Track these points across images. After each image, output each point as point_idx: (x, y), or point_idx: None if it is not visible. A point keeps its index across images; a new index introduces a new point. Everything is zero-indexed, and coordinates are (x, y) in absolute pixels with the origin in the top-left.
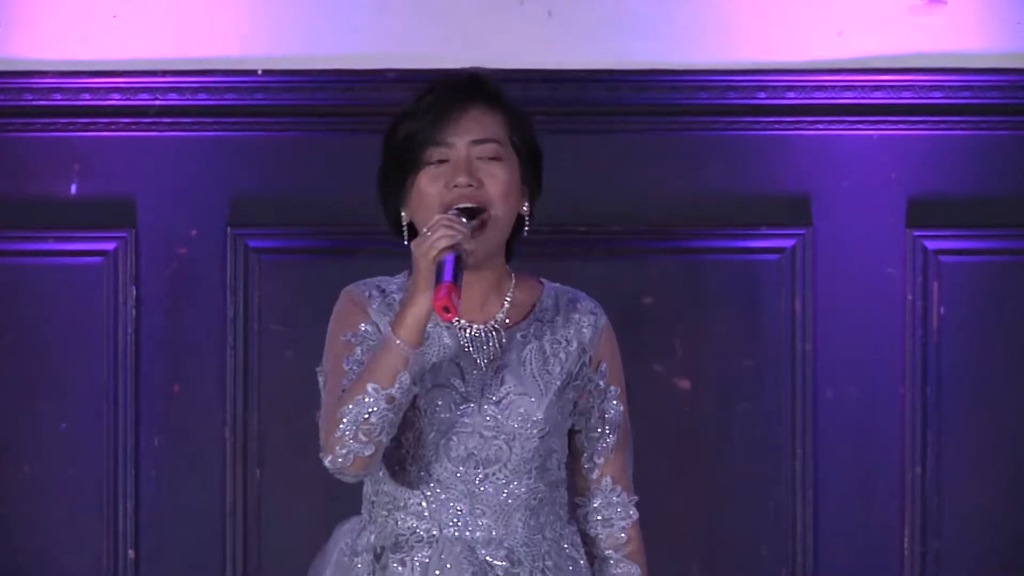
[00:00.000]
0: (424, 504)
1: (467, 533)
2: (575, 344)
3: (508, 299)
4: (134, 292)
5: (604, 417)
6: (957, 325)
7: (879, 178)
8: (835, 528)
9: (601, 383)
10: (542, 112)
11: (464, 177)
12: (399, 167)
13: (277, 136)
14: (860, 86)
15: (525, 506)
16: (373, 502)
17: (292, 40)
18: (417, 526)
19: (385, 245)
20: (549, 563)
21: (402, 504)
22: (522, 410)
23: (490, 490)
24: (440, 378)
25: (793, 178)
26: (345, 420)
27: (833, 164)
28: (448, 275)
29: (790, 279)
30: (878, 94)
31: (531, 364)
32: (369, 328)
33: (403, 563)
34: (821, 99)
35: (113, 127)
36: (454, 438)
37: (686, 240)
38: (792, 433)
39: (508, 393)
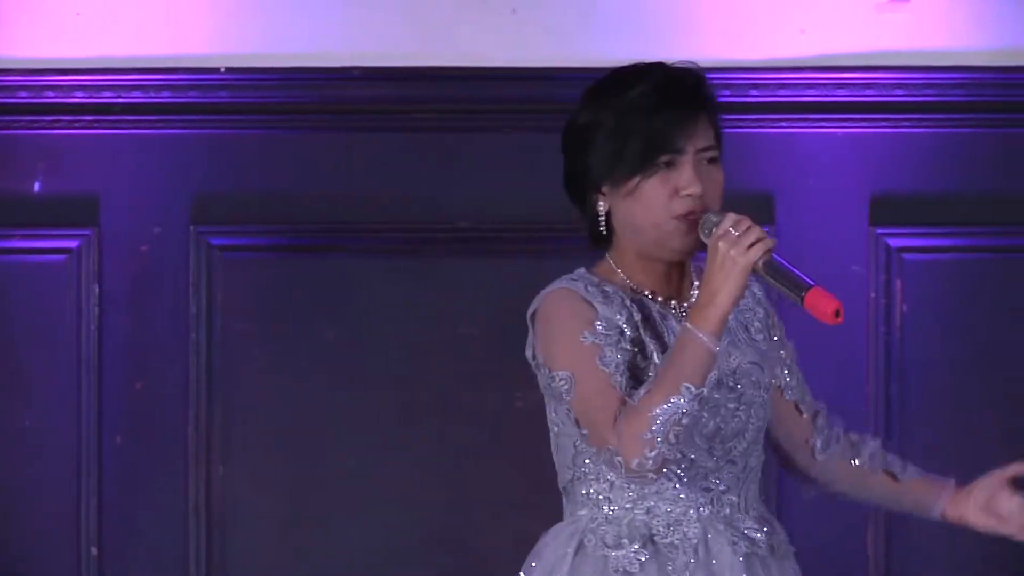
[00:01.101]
0: (679, 486)
1: (723, 510)
2: (761, 311)
3: (695, 279)
4: (97, 290)
5: (795, 371)
6: (920, 323)
7: (842, 176)
8: (800, 526)
9: (786, 343)
10: (507, 110)
11: (697, 187)
12: (628, 165)
13: (240, 134)
14: (823, 84)
15: (755, 477)
16: (601, 499)
17: (256, 37)
18: (672, 510)
19: (347, 242)
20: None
21: (651, 491)
22: (754, 378)
23: (735, 463)
24: None
25: (757, 176)
26: (659, 421)
27: (797, 162)
28: (807, 277)
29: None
30: (841, 92)
31: (740, 333)
32: (604, 325)
33: (674, 546)
34: (784, 97)
35: (77, 125)
36: (704, 415)
37: None
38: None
39: (740, 363)
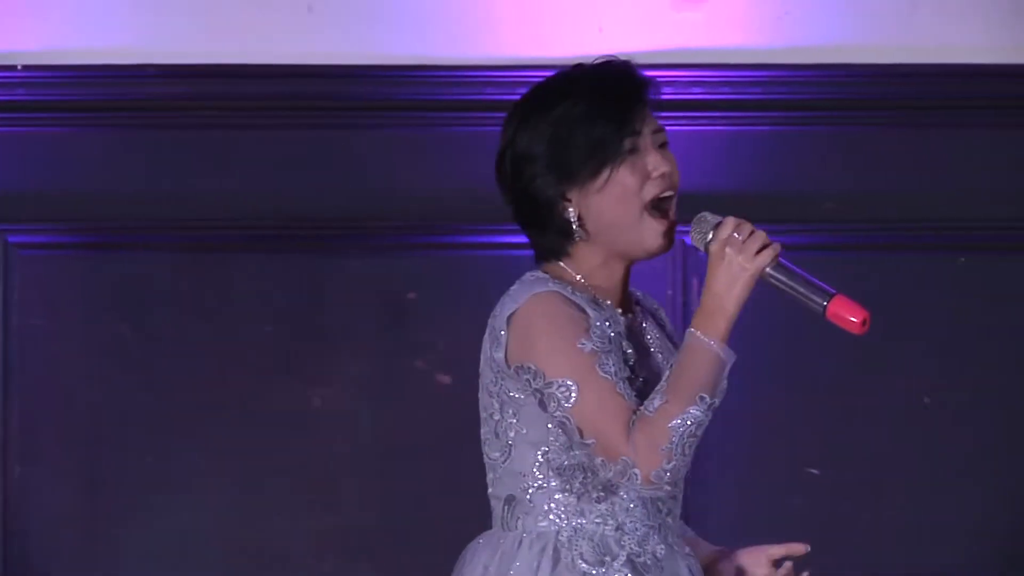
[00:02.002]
0: (643, 508)
1: (668, 534)
2: (668, 325)
3: (633, 297)
4: None
5: None
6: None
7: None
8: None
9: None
10: (302, 107)
11: (665, 166)
12: (596, 159)
13: (38, 131)
14: None
15: (681, 501)
16: (570, 512)
17: (52, 34)
18: (638, 528)
19: (143, 239)
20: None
21: (620, 508)
22: None
23: (675, 486)
24: (654, 372)
25: None
26: (679, 432)
27: None
28: (826, 285)
29: None
30: None
31: (667, 347)
32: (597, 331)
33: (647, 566)
34: None
35: None
36: None
37: (449, 235)
38: None
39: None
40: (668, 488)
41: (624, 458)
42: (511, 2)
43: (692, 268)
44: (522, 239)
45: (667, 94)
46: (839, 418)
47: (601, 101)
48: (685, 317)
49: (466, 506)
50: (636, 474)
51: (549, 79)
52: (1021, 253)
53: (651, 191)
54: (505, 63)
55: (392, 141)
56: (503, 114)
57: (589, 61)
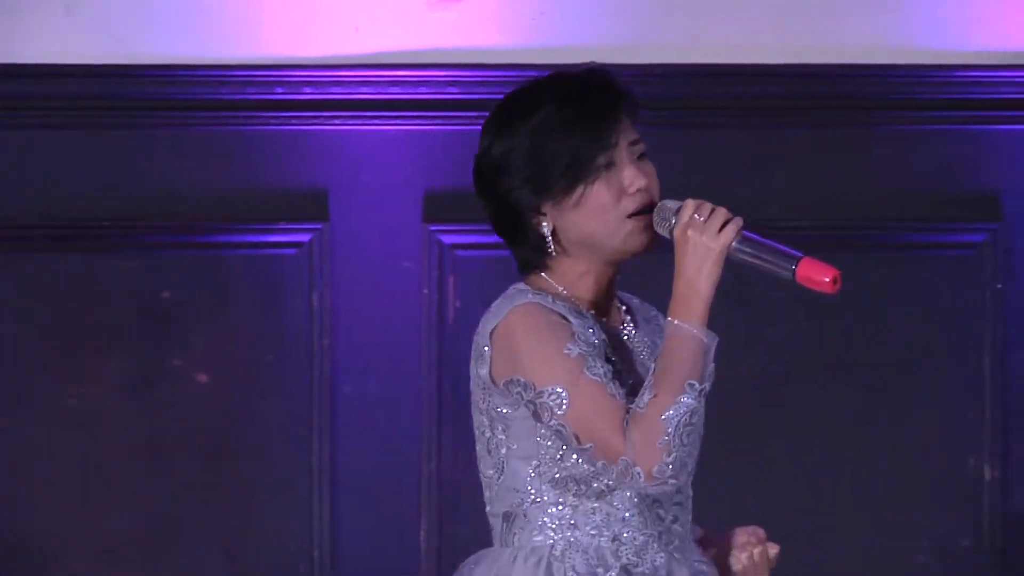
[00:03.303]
0: (641, 516)
1: (673, 541)
2: (662, 318)
3: (619, 303)
4: None
5: None
6: (472, 319)
7: (396, 173)
8: (354, 520)
9: None
10: (65, 107)
11: (642, 180)
12: (568, 176)
13: None
14: (377, 81)
15: (690, 508)
16: (564, 524)
17: None
18: (636, 537)
19: None
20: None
21: (617, 518)
22: None
23: (680, 493)
24: (642, 378)
25: (311, 173)
26: (673, 424)
27: (351, 159)
28: (792, 249)
29: (308, 274)
30: (394, 89)
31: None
32: (581, 337)
33: (628, 572)
34: (337, 94)
35: None
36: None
37: (206, 235)
38: (311, 427)
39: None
40: (673, 483)
41: (624, 458)
42: (270, 3)
43: (449, 268)
44: (274, 238)
45: (423, 93)
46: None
47: (576, 114)
48: (441, 316)
49: (225, 502)
50: (639, 472)
51: (526, 86)
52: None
53: (628, 207)
54: (265, 63)
55: (152, 140)
56: (262, 113)
57: (570, 69)
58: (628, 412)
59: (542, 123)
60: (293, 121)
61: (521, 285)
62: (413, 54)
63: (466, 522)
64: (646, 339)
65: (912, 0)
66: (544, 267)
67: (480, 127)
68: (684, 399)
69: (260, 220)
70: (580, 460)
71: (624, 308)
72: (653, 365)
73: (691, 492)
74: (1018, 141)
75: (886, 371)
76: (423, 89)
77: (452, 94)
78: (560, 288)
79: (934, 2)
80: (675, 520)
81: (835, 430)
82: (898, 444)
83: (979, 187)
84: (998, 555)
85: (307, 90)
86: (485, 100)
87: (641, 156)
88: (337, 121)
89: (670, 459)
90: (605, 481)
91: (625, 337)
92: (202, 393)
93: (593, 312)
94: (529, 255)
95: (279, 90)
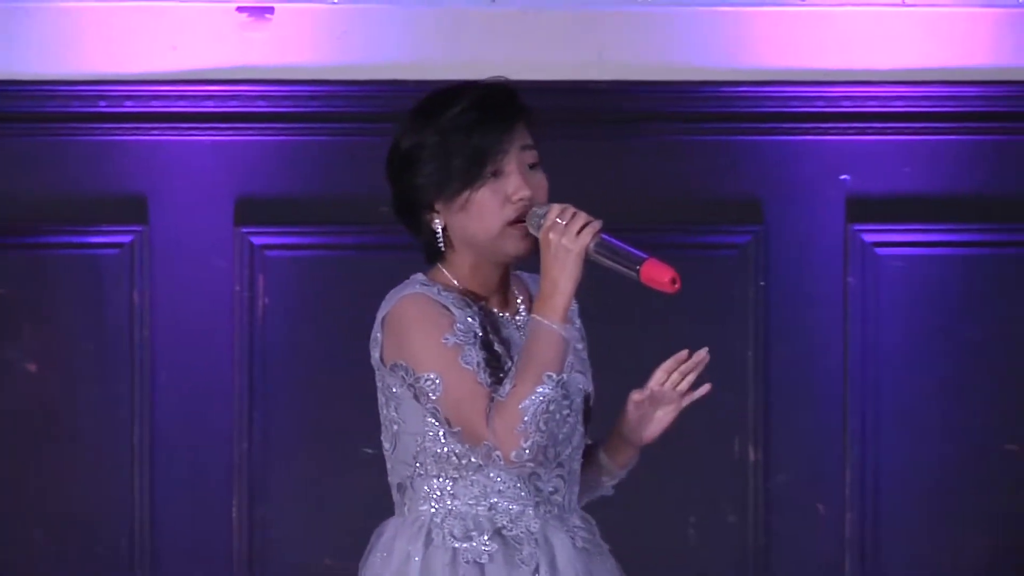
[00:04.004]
0: (518, 486)
1: (552, 510)
2: (577, 321)
3: (517, 292)
4: None
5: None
6: (279, 314)
7: (210, 179)
8: (171, 497)
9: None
10: None
11: (526, 191)
12: (457, 180)
13: None
14: (192, 96)
15: (577, 480)
16: (445, 495)
17: None
18: (512, 507)
19: None
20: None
21: (494, 488)
22: (580, 386)
23: (562, 467)
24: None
25: (132, 179)
26: (530, 412)
27: (168, 167)
28: (639, 251)
29: (129, 272)
30: (208, 103)
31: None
32: (462, 326)
33: (519, 538)
34: (156, 107)
35: None
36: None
37: (36, 236)
38: (131, 412)
39: (569, 372)
40: (531, 465)
41: (486, 442)
42: (95, 23)
43: (259, 267)
44: (94, 239)
45: (234, 107)
46: None
47: (472, 122)
48: (252, 311)
49: (50, 481)
50: (498, 456)
51: (441, 89)
52: None
53: (509, 214)
54: (90, 78)
55: (11, 150)
56: (89, 124)
57: (478, 80)
58: (492, 400)
59: (447, 124)
60: (115, 132)
61: (420, 276)
62: (226, 71)
63: (275, 498)
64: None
65: (685, 24)
66: (442, 259)
67: (288, 138)
68: (541, 389)
69: (85, 223)
70: (454, 440)
71: (520, 298)
72: (517, 357)
73: (576, 467)
74: (778, 150)
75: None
76: (234, 103)
77: (261, 107)
78: (454, 280)
79: (704, 25)
80: (555, 491)
81: (614, 414)
82: (670, 428)
83: (743, 193)
84: (761, 529)
85: (128, 103)
86: (292, 113)
87: (533, 166)
88: (156, 132)
89: (527, 444)
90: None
91: (516, 325)
92: (32, 381)
93: (484, 303)
94: (426, 247)
95: (102, 103)
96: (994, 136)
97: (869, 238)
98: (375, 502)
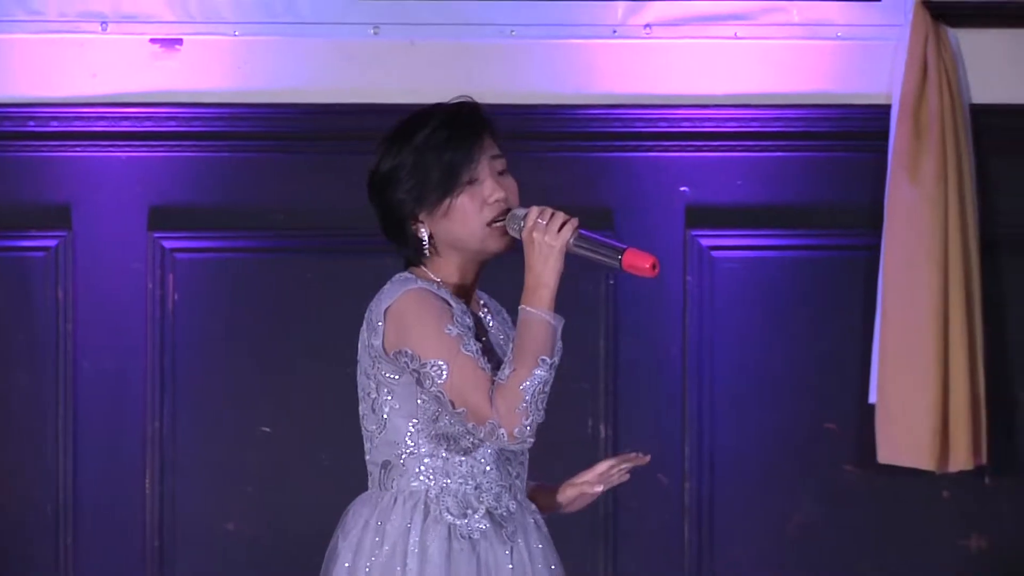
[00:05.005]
0: (497, 471)
1: (517, 493)
2: (508, 318)
3: (479, 298)
4: None
5: None
6: (188, 309)
7: (127, 190)
8: (92, 471)
9: None
10: None
11: (501, 193)
12: (438, 190)
13: None
14: (111, 116)
15: (527, 467)
16: (438, 473)
17: None
18: (493, 487)
19: None
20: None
21: (479, 470)
22: None
23: (523, 454)
24: (498, 357)
25: (57, 190)
26: (530, 393)
27: (90, 179)
28: (617, 241)
29: (54, 272)
30: (125, 123)
31: (509, 344)
32: (459, 319)
33: (504, 516)
34: (79, 127)
35: None
36: None
37: None
38: (56, 396)
39: (559, 356)
40: (531, 441)
41: (491, 421)
42: (24, 51)
43: (169, 267)
44: (26, 243)
45: (148, 126)
46: None
47: (447, 136)
48: (163, 306)
49: None
50: (503, 434)
51: (414, 113)
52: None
53: (488, 215)
54: (19, 101)
55: None
56: (18, 142)
57: (446, 101)
58: (493, 384)
59: (420, 144)
60: (43, 148)
61: (406, 274)
62: (140, 95)
63: (183, 471)
64: (499, 327)
65: (545, 54)
66: (424, 263)
67: (196, 154)
68: (538, 372)
69: (15, 228)
70: (452, 421)
71: (482, 302)
72: (511, 345)
73: (527, 457)
74: (626, 166)
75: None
76: (148, 123)
77: (172, 127)
78: (438, 279)
79: (561, 56)
80: (518, 476)
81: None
82: None
83: (596, 203)
84: (610, 497)
85: (54, 123)
86: (199, 132)
87: (502, 172)
88: (79, 148)
89: (528, 421)
90: (471, 439)
91: (488, 323)
92: None
93: (463, 300)
94: (411, 254)
95: (31, 123)
96: (815, 153)
97: (706, 243)
98: (272, 474)
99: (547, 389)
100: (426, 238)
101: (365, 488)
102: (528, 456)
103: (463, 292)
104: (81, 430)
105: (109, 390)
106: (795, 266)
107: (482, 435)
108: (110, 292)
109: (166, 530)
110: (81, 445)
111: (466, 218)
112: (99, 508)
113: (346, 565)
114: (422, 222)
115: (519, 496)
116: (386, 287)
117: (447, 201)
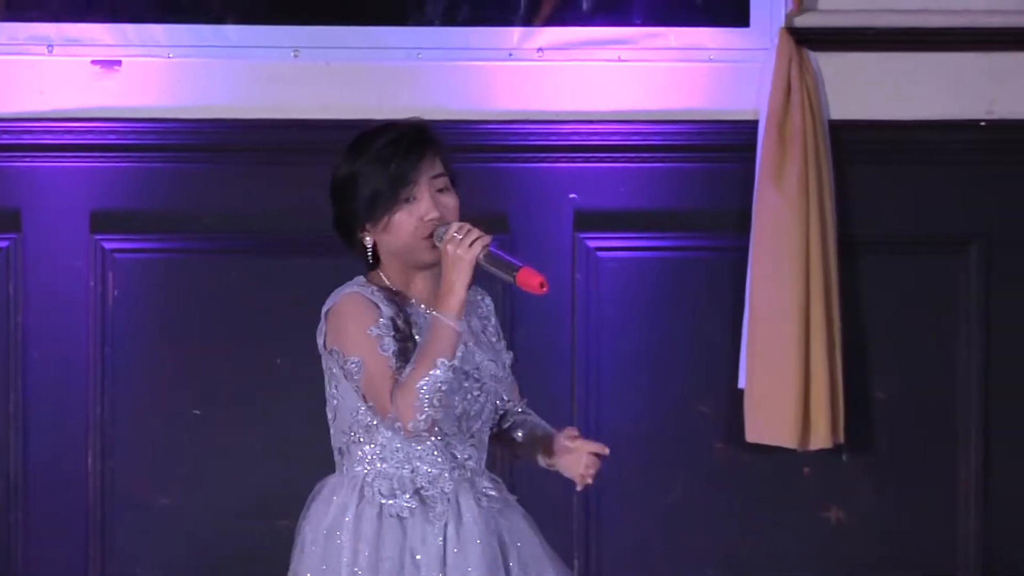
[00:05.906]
0: (436, 453)
1: (466, 474)
2: (494, 319)
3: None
4: None
5: (508, 370)
6: (126, 306)
7: (71, 196)
8: (40, 451)
9: (502, 342)
10: None
11: (434, 212)
12: (380, 207)
13: None
14: (56, 130)
15: (486, 448)
16: (375, 458)
17: None
18: (431, 470)
19: None
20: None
21: (415, 454)
22: (492, 371)
23: (474, 437)
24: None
25: (8, 196)
26: (424, 391)
27: (37, 186)
28: (518, 261)
29: (5, 271)
30: (69, 136)
31: (481, 336)
32: (385, 321)
33: (435, 498)
34: (27, 140)
35: None
36: (456, 399)
37: None
38: (7, 383)
39: (482, 360)
40: (425, 435)
41: (390, 415)
42: None
43: (109, 266)
44: None
45: (90, 139)
46: None
47: (387, 156)
48: (103, 304)
49: None
50: (399, 426)
51: (375, 127)
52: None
53: (423, 232)
54: None
55: None
56: None
57: (399, 121)
58: (397, 381)
59: (371, 156)
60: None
61: (360, 278)
62: (83, 111)
63: (122, 452)
64: (478, 322)
65: (447, 75)
66: (378, 266)
67: (133, 164)
68: (434, 372)
69: None
70: (368, 412)
71: (479, 298)
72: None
73: (485, 438)
74: (520, 175)
75: None
76: (90, 136)
77: (111, 140)
78: (387, 282)
79: (461, 77)
80: (469, 458)
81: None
82: None
83: (494, 209)
84: (506, 477)
85: (5, 137)
86: (136, 144)
87: (444, 190)
88: (28, 159)
89: (422, 417)
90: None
91: (427, 319)
92: None
93: (414, 301)
94: (362, 259)
95: (4, 137)
96: (691, 164)
97: (592, 244)
98: (204, 454)
99: (444, 388)
100: (370, 247)
101: (289, 467)
102: (486, 436)
103: (412, 292)
104: (30, 414)
105: (55, 377)
106: (672, 266)
107: (386, 426)
108: (56, 289)
109: (107, 504)
110: (30, 427)
111: (402, 233)
112: (47, 484)
113: (308, 536)
114: (367, 232)
115: (468, 476)
116: (335, 291)
117: (386, 217)
